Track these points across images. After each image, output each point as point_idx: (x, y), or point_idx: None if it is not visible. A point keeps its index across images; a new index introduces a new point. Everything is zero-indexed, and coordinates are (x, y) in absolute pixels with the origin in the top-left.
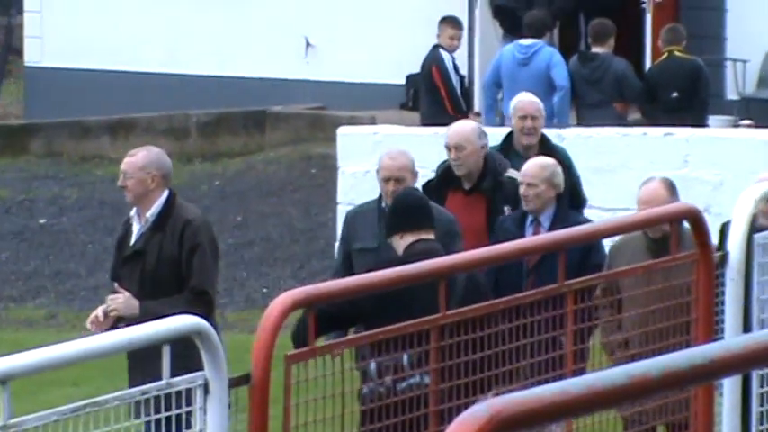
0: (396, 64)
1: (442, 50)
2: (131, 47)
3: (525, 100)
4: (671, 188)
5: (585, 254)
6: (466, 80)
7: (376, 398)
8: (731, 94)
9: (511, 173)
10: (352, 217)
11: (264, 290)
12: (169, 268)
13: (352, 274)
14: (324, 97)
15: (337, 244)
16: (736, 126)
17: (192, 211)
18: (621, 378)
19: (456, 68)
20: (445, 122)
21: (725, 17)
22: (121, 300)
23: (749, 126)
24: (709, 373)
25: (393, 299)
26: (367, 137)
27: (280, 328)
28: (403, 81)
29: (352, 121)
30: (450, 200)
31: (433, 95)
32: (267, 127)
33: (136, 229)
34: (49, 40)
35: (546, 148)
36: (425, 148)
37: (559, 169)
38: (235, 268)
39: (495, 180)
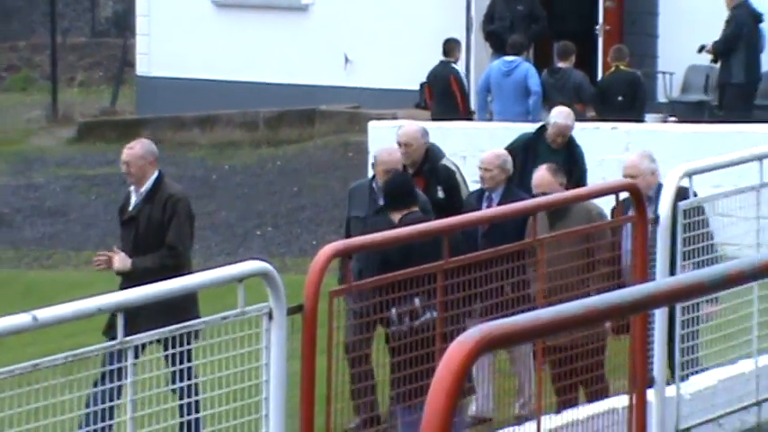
0: (411, 74)
1: (453, 65)
2: (216, 61)
3: (562, 124)
4: (554, 172)
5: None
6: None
7: (401, 335)
8: (661, 98)
9: (445, 161)
10: (352, 190)
11: (314, 242)
12: (155, 231)
13: (351, 234)
14: (358, 99)
15: None
16: (665, 122)
17: (176, 188)
18: (579, 309)
19: (465, 78)
20: (454, 118)
21: (657, 41)
22: (117, 259)
23: (674, 122)
24: (644, 305)
25: (406, 252)
26: (391, 129)
27: (325, 271)
28: (417, 87)
29: (380, 117)
30: None
31: (447, 98)
32: (316, 121)
33: (133, 200)
34: (155, 56)
35: (571, 145)
36: (431, 137)
37: (509, 158)
38: (291, 226)
39: (433, 167)
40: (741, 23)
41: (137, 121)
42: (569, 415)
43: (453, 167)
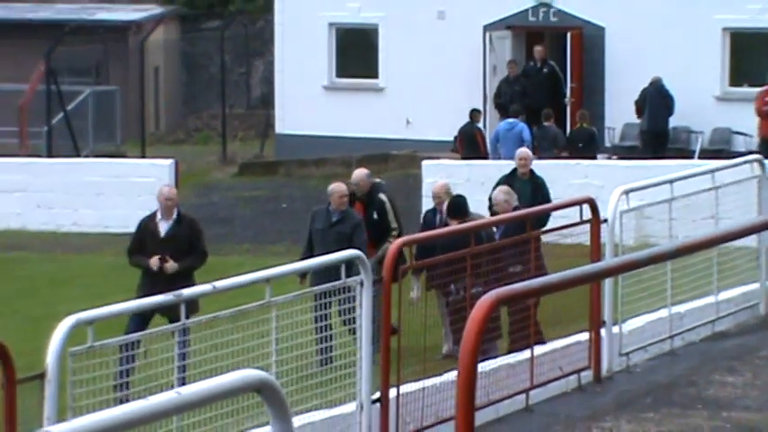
0: (448, 131)
1: (477, 124)
2: (325, 123)
3: (522, 153)
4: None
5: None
6: None
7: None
8: (608, 144)
9: (381, 195)
10: (314, 211)
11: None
12: (187, 243)
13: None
14: (415, 147)
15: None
16: (610, 158)
17: (192, 215)
18: (559, 278)
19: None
20: (479, 158)
21: (604, 108)
22: (170, 265)
23: (616, 159)
24: (599, 276)
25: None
26: (436, 165)
27: (397, 257)
28: (452, 139)
29: (429, 158)
30: (355, 206)
31: (474, 145)
32: (389, 161)
33: (163, 225)
34: (287, 121)
35: (534, 176)
36: (461, 171)
37: (450, 186)
38: None
39: (372, 198)
40: (645, 94)
41: (275, 162)
42: (552, 344)
43: (385, 199)
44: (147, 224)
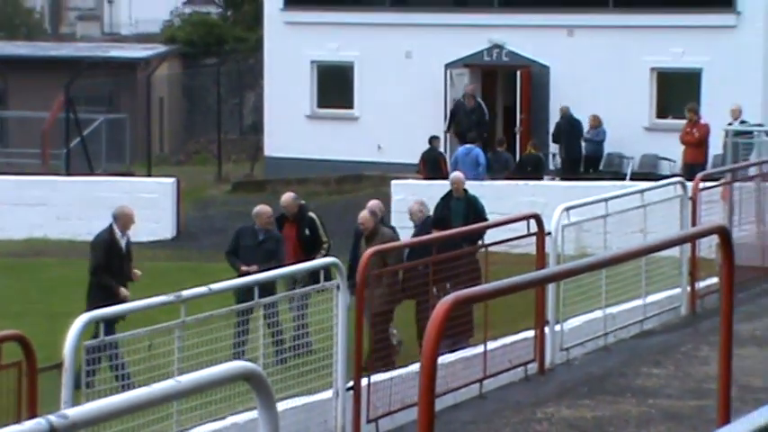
0: (413, 155)
1: (438, 149)
2: (307, 147)
3: (455, 177)
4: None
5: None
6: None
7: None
8: (552, 167)
9: (311, 213)
10: (240, 229)
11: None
12: (131, 252)
13: (237, 254)
14: (385, 169)
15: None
16: (553, 179)
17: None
18: (509, 283)
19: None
20: (442, 178)
21: (548, 136)
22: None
23: (559, 180)
24: (544, 281)
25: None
26: (404, 185)
27: (368, 266)
28: (416, 162)
29: (397, 178)
30: (285, 226)
31: (436, 167)
32: (362, 181)
33: (122, 241)
34: (274, 145)
35: (467, 195)
36: (426, 190)
37: (378, 208)
38: (348, 236)
39: (302, 216)
40: (557, 126)
41: (264, 181)
42: (502, 340)
43: (315, 216)
44: (114, 242)
